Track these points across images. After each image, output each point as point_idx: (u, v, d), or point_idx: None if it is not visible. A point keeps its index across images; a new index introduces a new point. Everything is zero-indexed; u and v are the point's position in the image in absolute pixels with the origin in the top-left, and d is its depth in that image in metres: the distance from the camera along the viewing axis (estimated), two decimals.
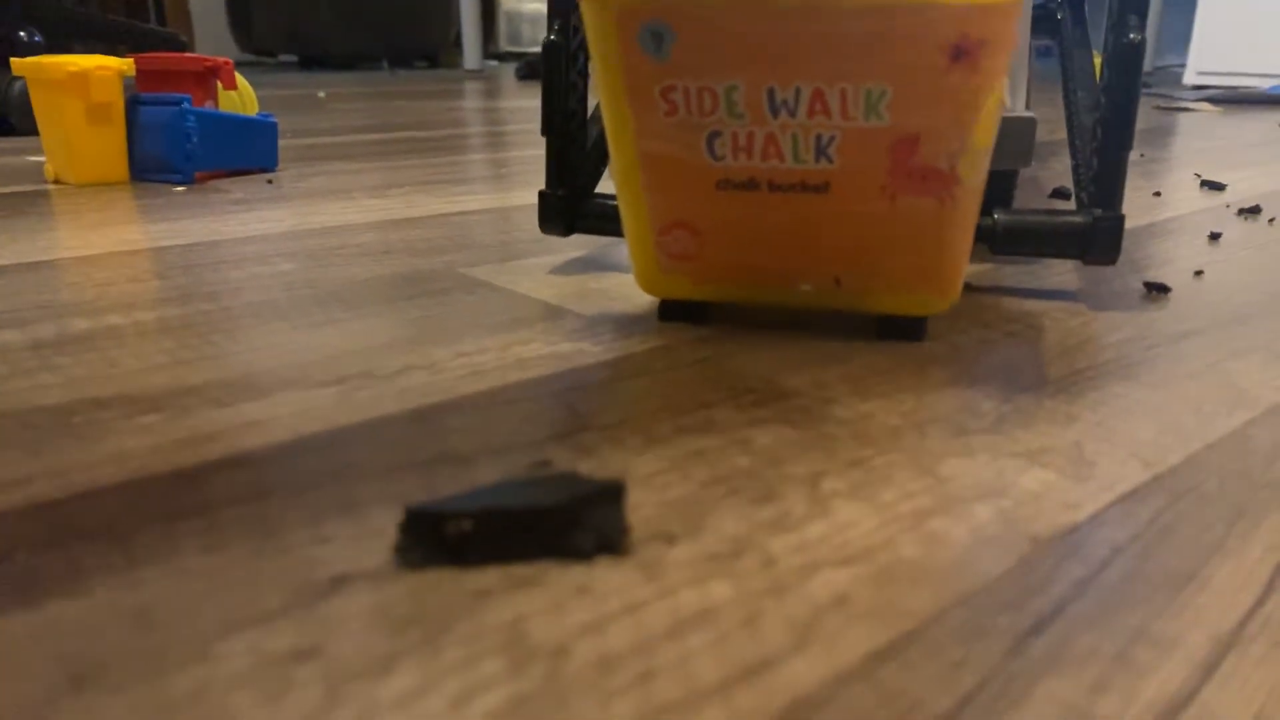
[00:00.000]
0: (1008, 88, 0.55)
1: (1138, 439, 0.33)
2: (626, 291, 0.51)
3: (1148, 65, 2.82)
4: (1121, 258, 0.59)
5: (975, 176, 0.38)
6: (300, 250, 0.60)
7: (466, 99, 1.91)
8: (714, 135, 0.39)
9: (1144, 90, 2.27)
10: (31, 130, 1.18)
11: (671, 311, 0.46)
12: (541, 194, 0.54)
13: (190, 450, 0.31)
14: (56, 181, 0.86)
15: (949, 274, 0.41)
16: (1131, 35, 0.46)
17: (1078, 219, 0.48)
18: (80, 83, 0.81)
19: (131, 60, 0.87)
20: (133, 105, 0.86)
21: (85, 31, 1.50)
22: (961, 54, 0.35)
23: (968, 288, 0.52)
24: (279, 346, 0.41)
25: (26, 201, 0.76)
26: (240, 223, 0.68)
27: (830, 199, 0.40)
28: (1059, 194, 0.81)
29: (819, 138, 0.38)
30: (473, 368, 0.39)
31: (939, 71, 0.36)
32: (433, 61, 3.44)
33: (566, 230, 0.54)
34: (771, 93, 0.37)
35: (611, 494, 0.26)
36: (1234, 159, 1.07)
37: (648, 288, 0.45)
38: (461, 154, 1.08)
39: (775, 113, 0.38)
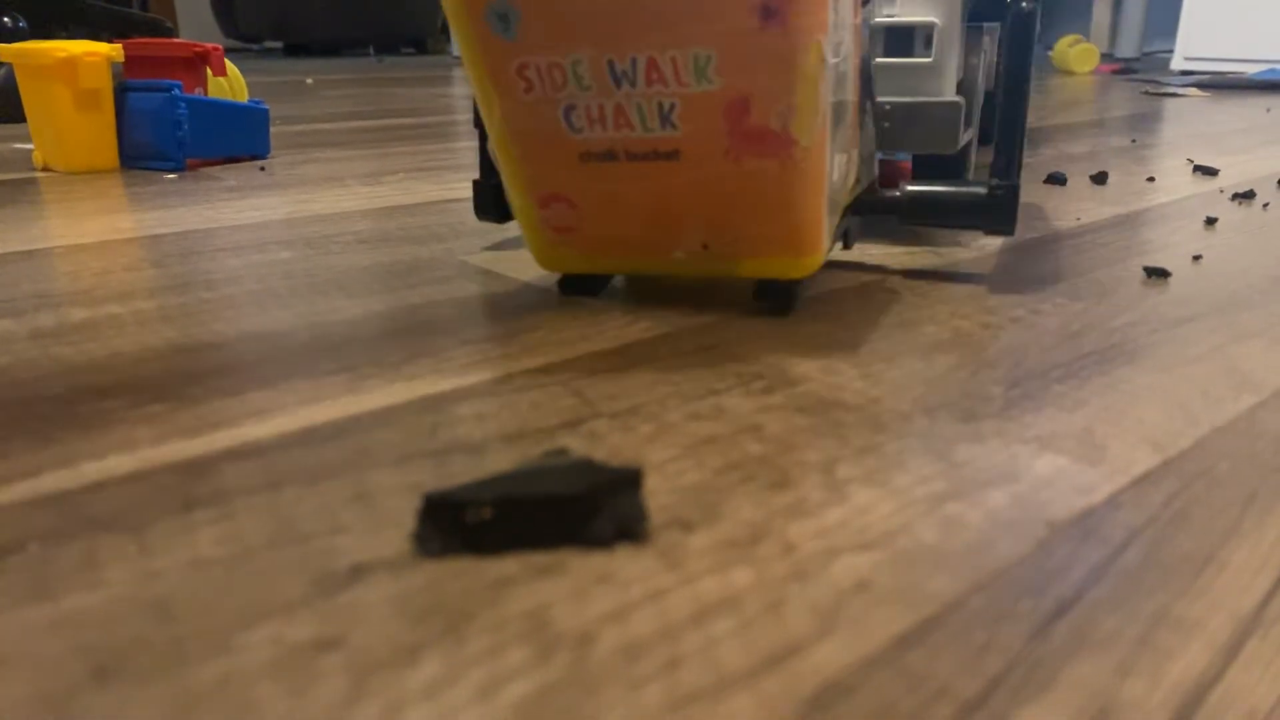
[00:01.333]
0: (935, 72, 0.55)
1: (1147, 423, 0.33)
2: (628, 279, 0.50)
3: (1135, 50, 2.82)
4: (1121, 242, 0.60)
5: (811, 137, 0.39)
6: (297, 238, 0.59)
7: (455, 85, 1.90)
8: (569, 109, 0.41)
9: (1132, 76, 2.27)
10: (17, 118, 1.17)
11: (570, 285, 0.48)
12: (475, 183, 0.55)
13: (199, 439, 0.31)
14: (45, 169, 0.85)
15: (805, 236, 0.42)
16: (1024, 4, 0.47)
17: (975, 190, 0.49)
18: (69, 69, 0.80)
19: (120, 46, 0.86)
20: (122, 92, 0.85)
21: (70, 17, 1.48)
22: (771, 13, 0.37)
23: (965, 277, 0.52)
24: (283, 335, 0.41)
25: (16, 190, 0.75)
26: (235, 210, 0.67)
27: (682, 166, 0.41)
28: (1054, 179, 0.81)
29: (661, 105, 0.40)
30: (479, 355, 0.39)
31: (753, 32, 0.37)
32: (420, 48, 3.42)
33: (501, 218, 0.55)
34: (611, 64, 0.39)
35: (629, 481, 0.26)
36: (1225, 144, 1.08)
37: (541, 262, 0.47)
38: (453, 140, 1.07)
39: (618, 83, 0.40)
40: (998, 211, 0.48)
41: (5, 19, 1.34)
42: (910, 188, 0.50)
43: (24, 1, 1.39)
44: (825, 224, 0.43)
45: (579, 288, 0.48)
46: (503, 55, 0.41)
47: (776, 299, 0.45)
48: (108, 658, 0.20)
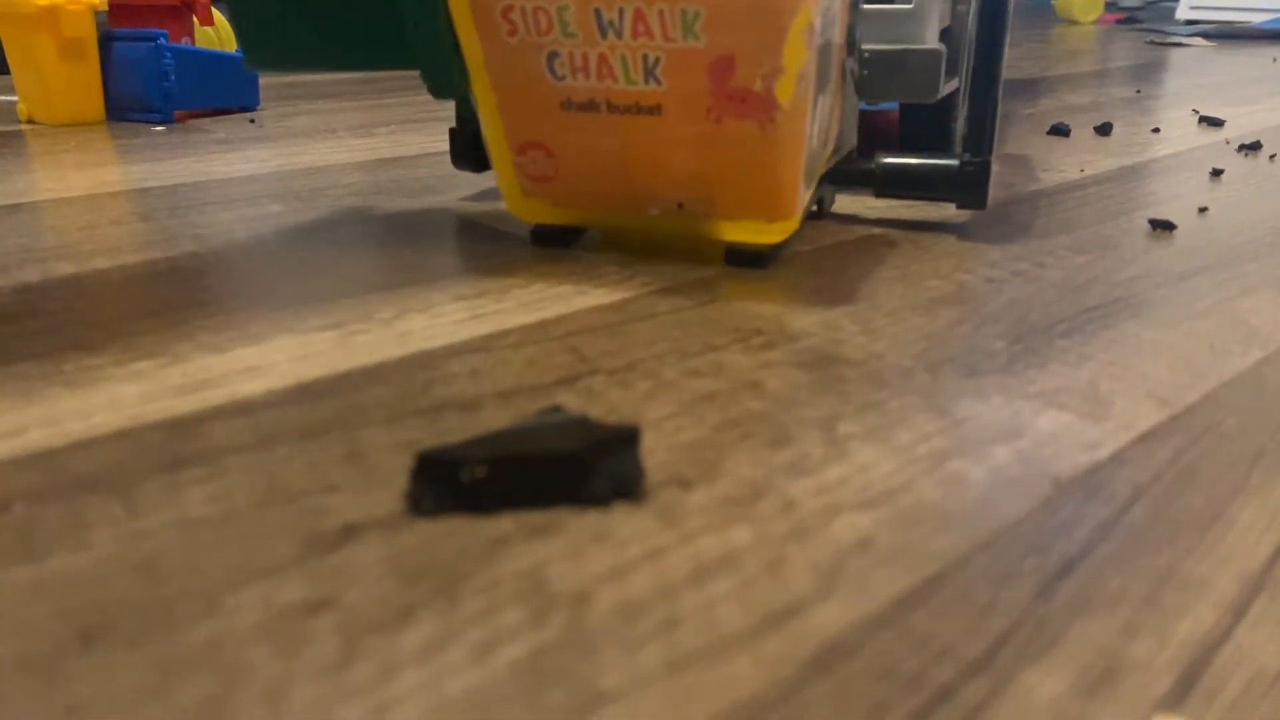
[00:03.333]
0: (915, 19, 0.54)
1: (1153, 378, 0.33)
2: (625, 233, 0.49)
3: (1139, 0, 2.78)
4: (1125, 194, 0.59)
5: (794, 101, 0.39)
6: (288, 191, 0.58)
7: None
8: (553, 55, 0.41)
9: (1137, 26, 2.24)
10: (1, 69, 1.15)
11: (543, 236, 0.48)
12: (452, 131, 0.55)
13: (188, 397, 0.30)
14: (30, 121, 0.83)
15: (781, 200, 0.42)
16: None
17: (948, 164, 0.49)
18: (51, 18, 0.79)
19: None
20: (106, 41, 0.83)
21: None
22: None
23: (967, 230, 0.52)
24: (272, 291, 0.40)
25: (1, 142, 0.74)
26: (224, 163, 0.66)
27: (663, 121, 0.41)
28: (1057, 130, 0.80)
29: (645, 58, 0.40)
30: (472, 311, 0.38)
31: None
32: None
33: (478, 167, 0.55)
34: (599, 12, 0.39)
35: (626, 439, 0.25)
36: (1231, 95, 1.06)
37: (515, 210, 0.47)
38: None
39: (604, 32, 0.39)
40: (969, 186, 0.48)
41: None
42: (884, 160, 0.50)
43: None
44: (802, 190, 0.42)
45: (552, 239, 0.47)
46: None
47: (745, 263, 0.44)
48: (94, 620, 0.20)
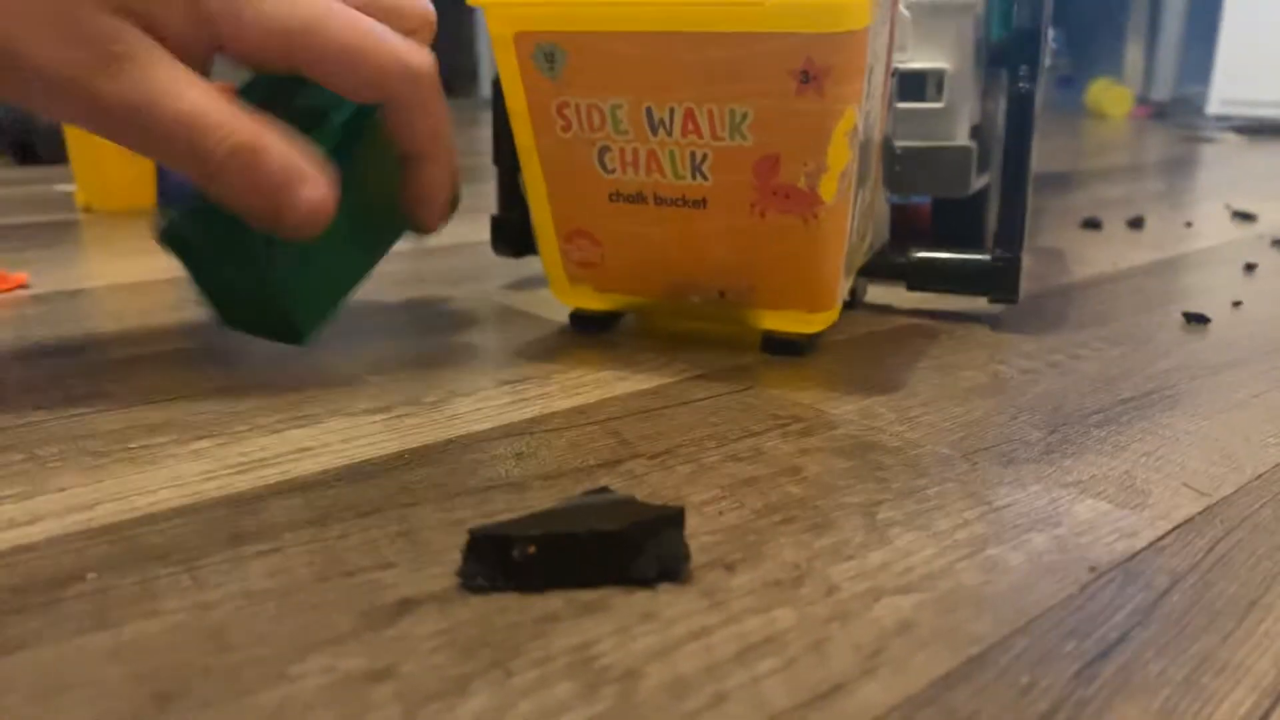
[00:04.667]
0: (946, 117, 0.56)
1: (1188, 469, 0.33)
2: (663, 321, 0.51)
3: (1168, 94, 2.82)
4: (1159, 288, 0.60)
5: (836, 197, 0.41)
6: None
7: (482, 128, 1.93)
8: (604, 150, 0.42)
9: (1166, 119, 2.27)
10: (58, 159, 1.20)
11: (581, 321, 0.49)
12: (493, 218, 0.57)
13: (246, 475, 0.32)
14: (87, 209, 0.87)
15: (822, 291, 0.43)
16: (1022, 84, 0.49)
17: (979, 259, 0.50)
18: None
19: None
20: None
21: None
22: (809, 79, 0.38)
23: (1002, 322, 0.53)
24: (323, 375, 0.42)
25: (60, 230, 0.77)
26: None
27: (709, 214, 0.43)
28: (1089, 224, 0.82)
29: (693, 155, 0.41)
30: (516, 395, 0.40)
31: (790, 95, 0.39)
32: (448, 90, 3.48)
33: (517, 253, 0.57)
34: (650, 111, 0.41)
35: (672, 520, 0.26)
36: (1263, 189, 1.08)
37: (559, 295, 0.49)
38: (483, 182, 1.09)
39: (654, 130, 0.41)
40: (1001, 280, 0.50)
41: None
42: (916, 254, 0.51)
43: None
44: (842, 281, 0.43)
45: (590, 324, 0.49)
46: (545, 93, 0.42)
47: (782, 352, 0.45)
48: (169, 684, 0.21)
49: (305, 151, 0.37)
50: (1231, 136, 1.84)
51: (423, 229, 0.46)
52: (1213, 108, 2.37)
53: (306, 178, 0.37)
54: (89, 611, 0.24)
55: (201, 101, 0.36)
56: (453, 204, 0.46)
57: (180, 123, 0.35)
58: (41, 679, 0.21)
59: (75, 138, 0.86)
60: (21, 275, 0.57)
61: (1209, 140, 1.78)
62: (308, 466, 0.33)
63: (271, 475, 0.32)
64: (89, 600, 0.24)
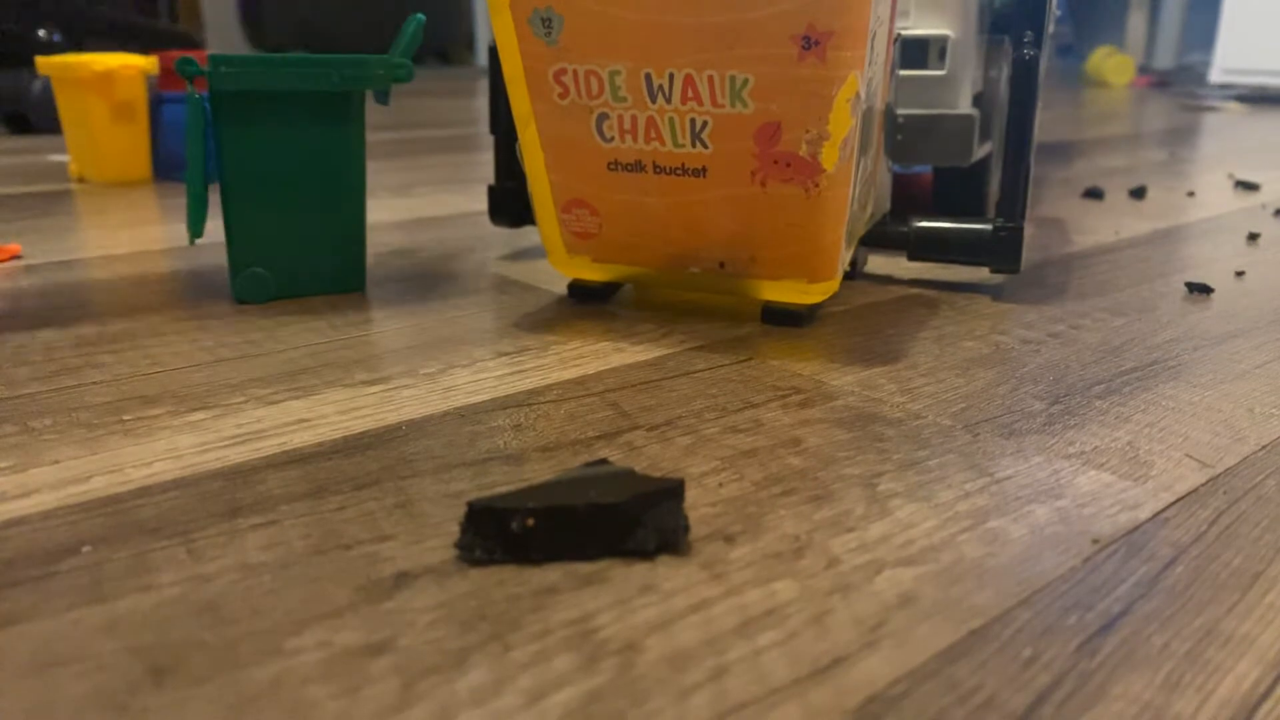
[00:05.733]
0: (949, 85, 0.56)
1: (1192, 440, 0.33)
2: (662, 292, 0.50)
3: (1170, 63, 2.80)
4: (1161, 257, 0.59)
5: (838, 166, 0.40)
6: None
7: (479, 97, 1.91)
8: (602, 117, 0.42)
9: (1168, 87, 2.26)
10: (52, 129, 1.19)
11: (579, 293, 0.49)
12: (490, 188, 0.57)
13: (242, 447, 0.31)
14: (80, 180, 0.86)
15: (823, 262, 0.43)
16: (1026, 51, 0.48)
17: (981, 228, 0.50)
18: (105, 81, 0.82)
19: (155, 59, 0.88)
20: (156, 104, 0.86)
21: (101, 30, 1.50)
22: (811, 44, 0.38)
23: (1003, 292, 0.52)
24: (319, 345, 0.41)
25: (53, 200, 0.76)
26: None
27: (708, 183, 0.42)
28: (1091, 194, 0.81)
29: (693, 122, 0.41)
30: (514, 366, 0.39)
31: (792, 61, 0.39)
32: (444, 59, 3.44)
33: (515, 222, 0.57)
34: (649, 77, 0.40)
35: (671, 492, 0.26)
36: (1266, 159, 1.07)
37: (557, 266, 0.48)
38: (481, 151, 1.08)
39: (654, 97, 0.41)
40: (1003, 250, 0.49)
41: (40, 32, 1.36)
42: (918, 224, 0.51)
43: (58, 15, 1.42)
44: (843, 252, 0.43)
45: (588, 295, 0.48)
46: (542, 59, 0.41)
47: (782, 322, 0.45)
48: (164, 658, 0.21)
49: None
50: (1234, 105, 1.82)
51: None
52: (1215, 76, 2.35)
53: None
54: (84, 585, 0.23)
55: None
56: None
57: None
58: (36, 653, 0.21)
59: (69, 109, 0.85)
60: (14, 246, 0.57)
61: (1211, 109, 1.77)
62: (304, 438, 0.32)
63: (268, 447, 0.32)
64: (84, 574, 0.24)
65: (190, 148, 0.45)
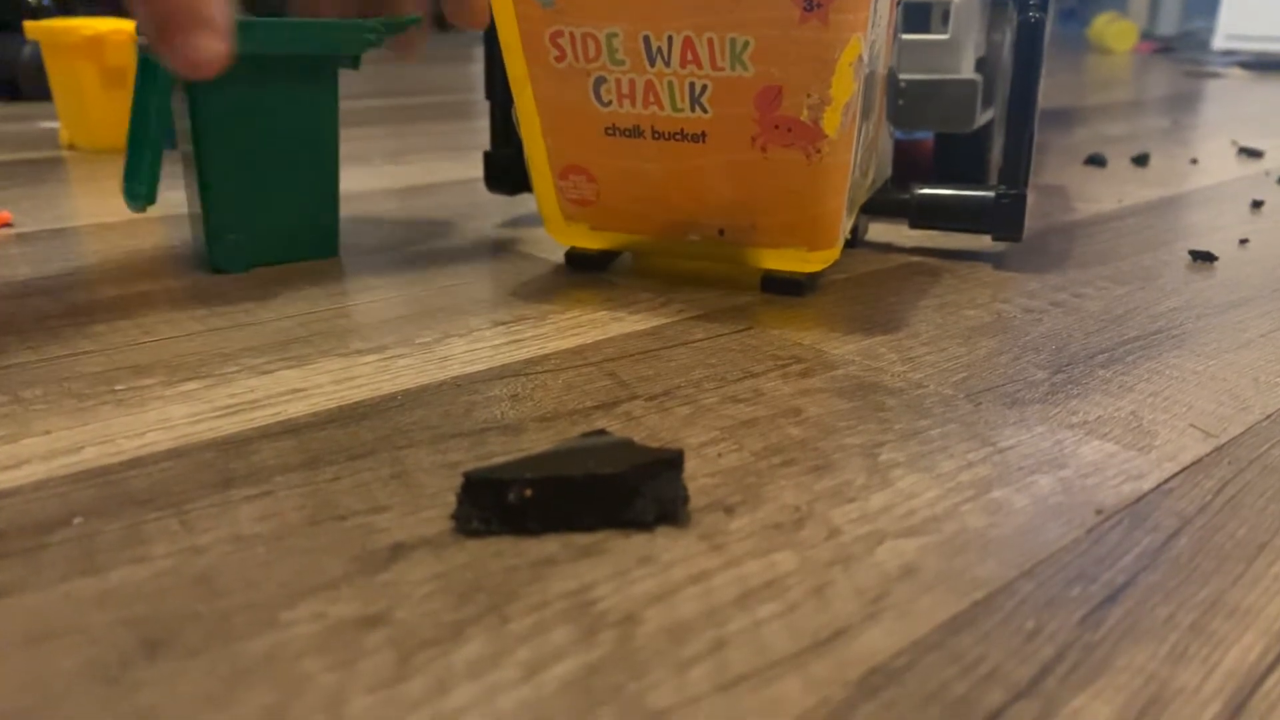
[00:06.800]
0: (952, 49, 0.55)
1: (1196, 409, 0.33)
2: (661, 260, 0.50)
3: (1173, 29, 2.78)
4: (1164, 225, 0.59)
5: (840, 131, 0.40)
6: None
7: (473, 64, 1.89)
8: (600, 81, 0.41)
9: (1171, 54, 2.24)
10: (42, 96, 1.17)
11: (577, 261, 0.48)
12: (486, 154, 0.57)
13: (236, 417, 0.31)
14: (71, 147, 0.85)
15: (824, 229, 0.42)
16: (1031, 14, 0.47)
17: (984, 195, 0.49)
18: (95, 46, 0.80)
19: None
20: None
21: None
22: (813, 6, 0.37)
23: (1005, 260, 0.52)
24: (314, 314, 0.41)
25: (44, 168, 0.75)
26: None
27: (708, 149, 0.42)
28: (1093, 161, 0.80)
29: (692, 86, 0.40)
30: (510, 335, 0.39)
31: (793, 23, 0.38)
32: (439, 25, 3.41)
33: (512, 189, 0.56)
34: (647, 40, 0.40)
35: (671, 463, 0.26)
36: (1270, 125, 1.06)
37: (554, 234, 0.48)
38: (476, 119, 1.07)
39: (652, 60, 0.40)
40: (1005, 218, 0.49)
41: None
42: (919, 190, 0.50)
43: None
44: (844, 219, 0.42)
45: (586, 264, 0.48)
46: (538, 21, 0.41)
47: (782, 291, 0.44)
48: (157, 631, 0.20)
49: (223, 10, 0.38)
50: (1238, 72, 1.81)
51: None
52: (1219, 42, 2.34)
53: (214, 26, 0.37)
54: (76, 557, 0.23)
55: None
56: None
57: None
58: (28, 625, 0.21)
59: (59, 75, 0.83)
60: (5, 214, 0.56)
61: (1215, 76, 1.75)
62: (299, 408, 0.32)
63: (261, 417, 0.31)
64: (75, 545, 0.24)
65: (140, 107, 0.44)
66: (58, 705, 0.18)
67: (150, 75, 0.44)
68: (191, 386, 0.33)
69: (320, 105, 0.47)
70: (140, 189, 0.45)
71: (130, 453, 0.28)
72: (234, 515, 0.25)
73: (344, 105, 1.20)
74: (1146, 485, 0.28)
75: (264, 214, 0.47)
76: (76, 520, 0.25)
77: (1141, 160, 0.81)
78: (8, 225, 0.55)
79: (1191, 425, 0.32)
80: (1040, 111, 0.57)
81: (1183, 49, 2.43)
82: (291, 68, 0.45)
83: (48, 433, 0.30)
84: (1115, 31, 2.40)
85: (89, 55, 0.81)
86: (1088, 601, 0.22)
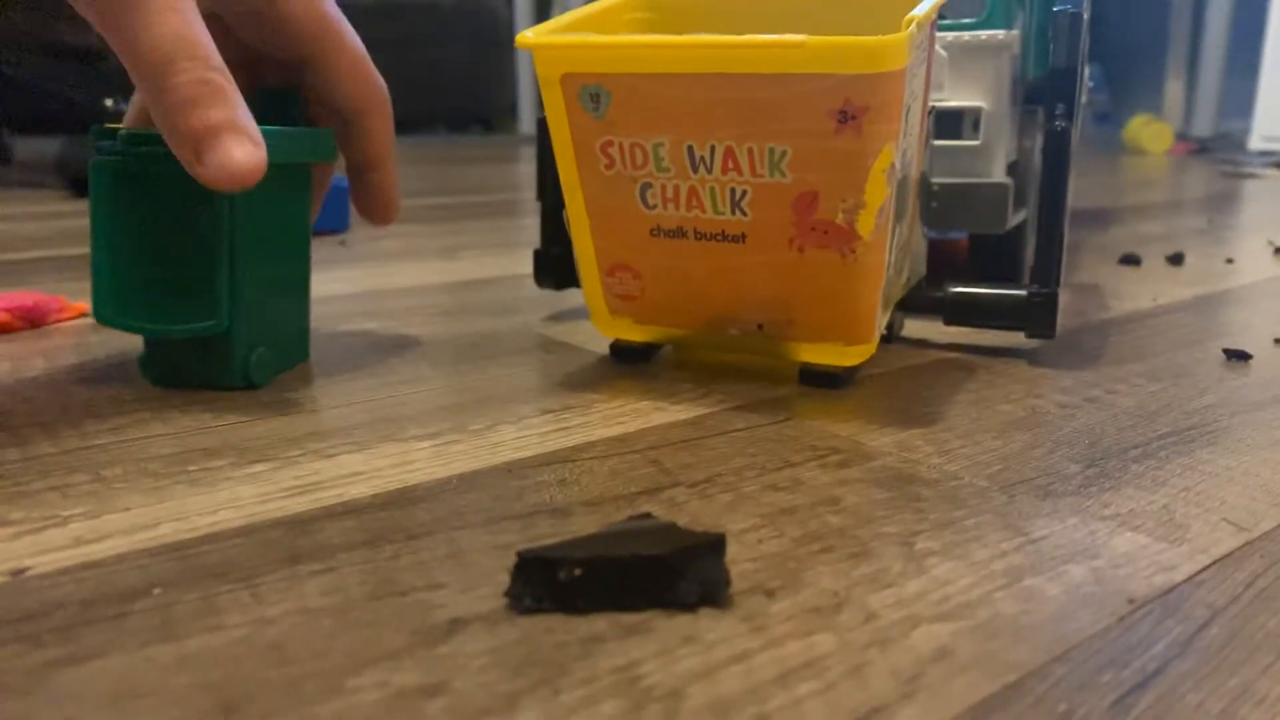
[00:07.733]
0: (983, 154, 0.57)
1: (1228, 504, 0.33)
2: (697, 353, 0.52)
3: (1209, 130, 2.81)
4: (1199, 324, 0.60)
5: (874, 233, 0.42)
6: (380, 309, 0.62)
7: (521, 164, 1.95)
8: (646, 186, 0.44)
9: (1207, 154, 2.26)
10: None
11: (621, 353, 0.50)
12: (536, 252, 0.59)
13: (301, 498, 0.33)
14: None
15: (859, 326, 0.44)
16: (1058, 122, 0.49)
17: (1016, 294, 0.51)
18: None
19: None
20: None
21: None
22: (848, 118, 0.39)
23: (1040, 356, 0.53)
24: (372, 402, 0.43)
25: None
26: (318, 282, 0.70)
27: (747, 249, 0.44)
28: (1128, 260, 0.82)
29: (733, 191, 0.42)
30: (558, 423, 0.41)
31: (829, 134, 0.40)
32: (487, 127, 3.51)
33: (558, 285, 0.59)
34: (691, 150, 0.42)
35: (713, 546, 0.27)
36: None
37: (600, 327, 0.50)
38: (525, 217, 1.11)
39: (695, 168, 0.42)
40: (1038, 316, 0.50)
41: (108, 101, 1.42)
42: (953, 289, 0.52)
43: (125, 85, 1.48)
44: (879, 315, 0.44)
45: (630, 355, 0.50)
46: (590, 132, 0.44)
47: (820, 384, 0.46)
48: (232, 695, 0.22)
49: (252, 119, 0.39)
50: (1274, 172, 1.82)
51: (384, 222, 0.52)
52: (1255, 143, 2.35)
53: (252, 135, 0.38)
54: (155, 625, 0.25)
55: (193, 22, 0.38)
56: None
57: (168, 30, 0.37)
58: (114, 686, 0.22)
59: None
60: (82, 304, 0.59)
61: (1251, 176, 1.77)
62: (360, 490, 0.34)
63: (325, 498, 0.33)
64: (155, 614, 0.25)
65: (111, 220, 0.44)
66: None
67: (113, 187, 0.43)
68: (259, 468, 0.35)
69: (303, 209, 0.48)
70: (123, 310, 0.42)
71: (204, 529, 0.30)
72: (301, 589, 0.27)
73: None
74: (1178, 576, 0.28)
75: (280, 323, 0.46)
76: (156, 591, 0.26)
77: (1177, 259, 0.82)
78: (84, 315, 0.58)
79: (1224, 519, 0.32)
80: (1074, 212, 0.59)
81: (1218, 150, 2.45)
82: (293, 173, 0.46)
83: (127, 509, 0.32)
84: (1151, 133, 2.43)
85: None
86: (1119, 687, 0.23)
